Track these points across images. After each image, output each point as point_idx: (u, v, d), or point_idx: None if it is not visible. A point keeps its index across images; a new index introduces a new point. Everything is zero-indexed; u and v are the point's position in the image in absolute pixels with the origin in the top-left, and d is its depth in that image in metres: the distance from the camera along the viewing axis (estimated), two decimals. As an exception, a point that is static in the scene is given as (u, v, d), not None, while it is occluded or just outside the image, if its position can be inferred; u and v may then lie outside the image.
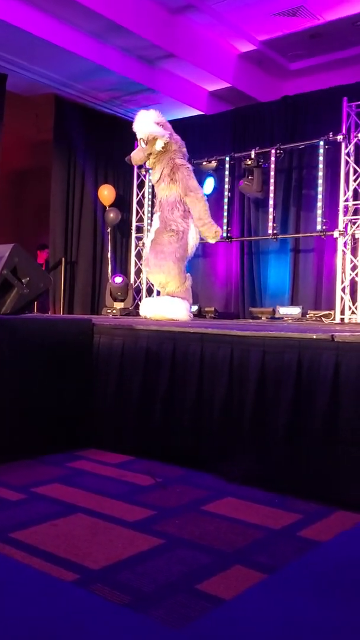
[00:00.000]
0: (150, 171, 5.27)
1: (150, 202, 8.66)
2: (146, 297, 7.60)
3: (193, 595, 1.84)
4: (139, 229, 9.06)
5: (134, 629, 1.00)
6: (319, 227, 7.14)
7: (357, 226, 6.92)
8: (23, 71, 7.49)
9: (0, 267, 3.70)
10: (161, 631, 1.04)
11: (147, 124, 5.05)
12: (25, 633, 0.97)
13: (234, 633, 0.94)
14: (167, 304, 4.87)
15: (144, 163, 5.29)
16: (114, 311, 8.18)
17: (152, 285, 5.59)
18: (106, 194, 8.71)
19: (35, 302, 6.53)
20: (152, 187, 5.50)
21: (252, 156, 7.64)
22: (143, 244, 5.28)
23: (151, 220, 5.54)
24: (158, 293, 5.42)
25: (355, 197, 6.97)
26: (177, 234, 4.94)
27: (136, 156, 5.12)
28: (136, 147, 5.36)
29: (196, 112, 8.81)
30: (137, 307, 6.35)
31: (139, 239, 9.01)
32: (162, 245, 4.95)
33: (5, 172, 9.00)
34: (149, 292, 8.43)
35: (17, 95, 8.10)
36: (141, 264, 8.29)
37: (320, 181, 7.16)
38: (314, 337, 2.92)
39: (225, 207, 8.11)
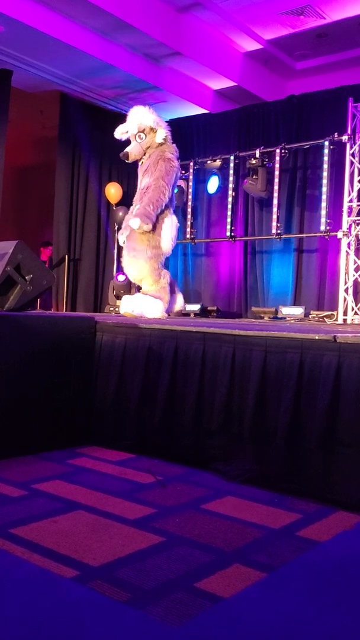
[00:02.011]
0: (140, 165, 5.18)
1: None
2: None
3: (192, 593, 1.84)
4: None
5: (132, 625, 1.01)
6: (322, 228, 7.13)
7: (361, 227, 6.91)
8: (28, 68, 7.49)
9: (4, 264, 3.71)
10: (160, 628, 1.05)
11: (147, 115, 5.03)
12: (25, 628, 0.98)
13: (233, 631, 0.95)
14: (140, 302, 4.81)
15: (139, 159, 5.17)
16: (117, 309, 8.18)
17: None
18: (113, 192, 8.68)
19: (38, 299, 6.54)
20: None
21: (257, 155, 7.63)
22: (118, 240, 5.21)
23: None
24: (139, 289, 5.37)
25: (359, 198, 6.96)
26: (157, 230, 4.89)
27: (134, 150, 5.04)
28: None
29: (201, 111, 8.80)
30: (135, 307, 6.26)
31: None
32: (134, 241, 4.90)
33: (10, 168, 9.02)
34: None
35: (23, 91, 8.11)
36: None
37: (324, 181, 7.14)
38: (316, 337, 2.92)
39: (229, 206, 8.10)
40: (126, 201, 8.97)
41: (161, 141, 5.00)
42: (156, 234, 4.94)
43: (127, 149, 5.06)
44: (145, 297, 4.86)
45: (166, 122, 5.34)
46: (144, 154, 5.06)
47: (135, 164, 5.34)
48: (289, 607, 1.01)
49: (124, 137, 5.16)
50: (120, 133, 5.15)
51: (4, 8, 6.30)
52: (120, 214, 8.74)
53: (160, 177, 4.90)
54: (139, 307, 4.77)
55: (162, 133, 4.97)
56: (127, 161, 5.17)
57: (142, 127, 4.99)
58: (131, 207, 5.31)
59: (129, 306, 4.81)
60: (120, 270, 8.84)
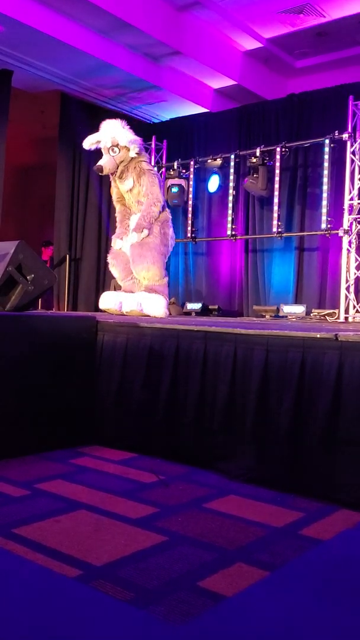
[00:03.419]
0: (117, 180, 5.26)
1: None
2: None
3: (195, 592, 1.85)
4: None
5: (135, 625, 1.01)
6: (323, 226, 7.12)
7: (362, 225, 6.91)
8: (29, 68, 7.49)
9: (5, 264, 3.71)
10: (163, 627, 1.05)
11: (122, 131, 5.09)
12: (27, 628, 0.98)
13: (235, 630, 0.95)
14: (146, 300, 4.87)
15: (112, 172, 5.24)
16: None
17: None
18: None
19: (40, 299, 6.54)
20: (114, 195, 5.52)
21: (257, 154, 7.63)
22: (115, 245, 5.29)
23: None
24: (116, 289, 5.48)
25: (360, 196, 6.96)
26: (156, 226, 5.06)
27: (109, 164, 5.11)
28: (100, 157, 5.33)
29: (201, 110, 8.79)
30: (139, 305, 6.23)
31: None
32: (146, 242, 5.02)
33: (11, 168, 9.02)
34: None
35: (23, 91, 8.11)
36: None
37: (325, 179, 7.14)
38: (318, 336, 2.92)
39: (230, 205, 8.10)
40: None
41: (134, 155, 5.09)
42: (166, 232, 5.08)
43: (101, 163, 5.12)
44: (150, 294, 4.92)
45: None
46: (117, 167, 5.14)
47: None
48: (292, 605, 1.01)
49: (92, 147, 5.21)
50: (89, 143, 5.21)
51: (4, 8, 6.30)
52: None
53: (150, 191, 5.11)
54: (144, 305, 4.83)
55: (135, 149, 5.06)
56: (100, 174, 5.28)
57: (115, 142, 5.06)
58: (117, 215, 5.40)
59: (133, 304, 4.85)
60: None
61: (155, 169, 5.39)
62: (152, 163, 8.04)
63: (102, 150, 5.16)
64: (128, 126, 5.21)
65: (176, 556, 2.11)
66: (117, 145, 5.06)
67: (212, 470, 3.15)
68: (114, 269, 5.33)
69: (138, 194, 5.17)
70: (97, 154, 5.24)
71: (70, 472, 3.11)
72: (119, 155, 5.08)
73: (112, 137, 5.07)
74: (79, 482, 2.93)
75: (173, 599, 1.80)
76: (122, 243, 5.22)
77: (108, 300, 5.09)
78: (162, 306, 4.94)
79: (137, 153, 5.09)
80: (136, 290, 5.05)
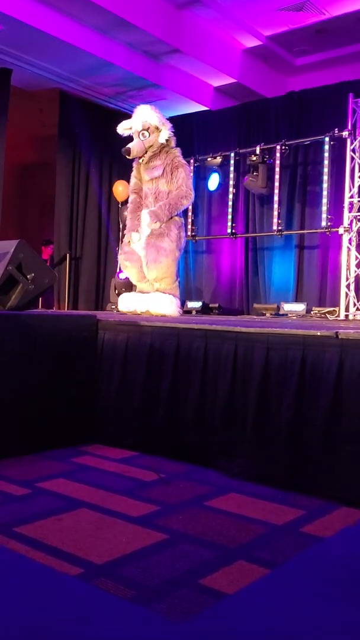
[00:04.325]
0: (143, 165, 5.19)
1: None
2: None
3: (196, 590, 1.85)
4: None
5: (137, 623, 1.01)
6: (324, 224, 7.12)
7: (362, 223, 6.90)
8: (28, 66, 7.48)
9: (5, 263, 3.71)
10: (164, 625, 1.05)
11: (152, 114, 5.06)
12: (28, 627, 0.98)
13: (236, 627, 0.95)
14: (159, 300, 4.92)
15: (140, 156, 5.21)
16: (119, 307, 8.17)
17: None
18: (120, 190, 8.60)
19: (40, 298, 6.54)
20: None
21: (257, 152, 7.62)
22: (131, 240, 5.20)
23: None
24: (133, 289, 5.45)
25: (360, 194, 6.95)
26: (170, 229, 4.98)
27: (137, 147, 5.08)
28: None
29: (201, 108, 8.78)
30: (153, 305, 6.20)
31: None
32: (160, 240, 4.97)
33: (10, 167, 9.01)
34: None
35: (22, 90, 8.10)
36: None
37: (325, 177, 7.13)
38: (318, 334, 2.92)
39: (230, 203, 8.10)
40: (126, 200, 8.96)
41: (164, 142, 5.04)
42: (181, 236, 5.07)
43: (130, 145, 5.10)
44: (164, 295, 4.96)
45: (166, 119, 5.34)
46: (145, 152, 5.09)
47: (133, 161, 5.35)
48: (293, 603, 1.02)
49: (125, 133, 5.18)
50: (123, 129, 5.18)
51: (3, 7, 6.30)
52: (125, 213, 8.73)
53: (184, 183, 5.05)
54: (158, 305, 4.88)
55: (166, 134, 5.03)
56: (128, 157, 5.20)
57: (146, 126, 5.03)
58: (129, 205, 5.35)
59: (148, 305, 4.90)
60: (121, 268, 8.85)
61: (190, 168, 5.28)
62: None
63: (133, 135, 5.14)
64: (160, 113, 5.19)
65: (177, 554, 2.11)
66: (147, 129, 5.04)
67: (212, 468, 3.15)
68: (129, 271, 5.27)
69: (165, 184, 5.07)
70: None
71: (71, 470, 3.11)
72: (149, 140, 5.05)
73: (142, 121, 5.06)
74: (80, 480, 2.93)
75: (174, 596, 1.80)
76: (139, 235, 5.10)
77: (127, 303, 5.13)
78: (175, 306, 5.01)
79: (166, 140, 5.04)
80: (150, 291, 5.08)
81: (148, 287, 5.14)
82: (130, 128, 5.14)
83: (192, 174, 5.22)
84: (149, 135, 5.04)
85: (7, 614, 1.01)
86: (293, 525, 2.43)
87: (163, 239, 4.95)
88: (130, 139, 5.20)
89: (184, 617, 1.66)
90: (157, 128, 5.03)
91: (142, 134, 5.06)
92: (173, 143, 5.18)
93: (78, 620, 0.98)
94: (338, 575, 1.14)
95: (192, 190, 5.11)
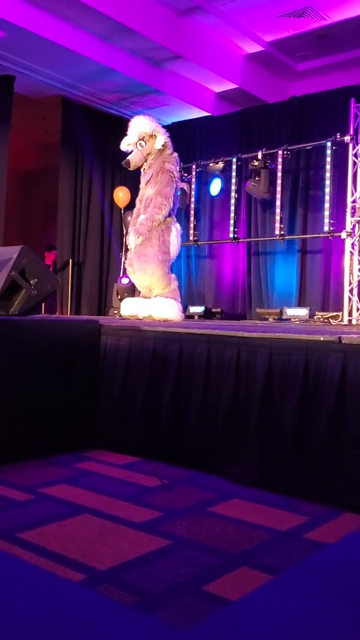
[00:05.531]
0: (143, 172, 5.27)
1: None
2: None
3: (199, 596, 1.84)
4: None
5: (140, 629, 1.01)
6: (326, 228, 7.12)
7: (365, 227, 6.90)
8: (31, 73, 7.52)
9: (8, 269, 3.72)
10: (167, 632, 1.05)
11: (147, 122, 5.14)
12: (32, 633, 0.98)
13: (240, 634, 0.95)
14: (161, 305, 4.94)
15: (141, 166, 5.27)
16: (121, 312, 8.18)
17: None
18: (121, 195, 8.65)
19: (43, 303, 6.55)
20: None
21: (259, 157, 7.64)
22: (129, 244, 5.28)
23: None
24: (136, 294, 5.50)
25: (362, 198, 6.95)
26: (152, 235, 5.02)
27: (135, 158, 5.15)
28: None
29: (203, 114, 8.81)
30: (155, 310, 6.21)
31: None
32: (145, 247, 5.04)
33: (13, 173, 9.05)
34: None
35: (25, 97, 8.14)
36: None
37: (327, 182, 7.14)
38: (321, 339, 2.92)
39: (232, 208, 8.11)
40: (134, 205, 8.98)
41: (160, 147, 5.10)
42: (165, 240, 5.07)
43: (129, 157, 5.15)
44: (164, 299, 4.98)
45: (168, 125, 5.39)
46: (145, 161, 5.15)
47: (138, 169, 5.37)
48: (296, 609, 1.01)
49: (129, 149, 5.25)
50: (125, 145, 5.25)
51: (6, 14, 6.34)
52: (129, 218, 8.75)
53: (159, 192, 5.08)
54: (158, 309, 4.90)
55: (161, 139, 5.09)
56: (129, 169, 5.28)
57: (141, 135, 5.12)
58: (133, 211, 5.40)
59: (150, 310, 4.92)
60: (124, 273, 8.86)
61: (178, 175, 5.28)
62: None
63: (132, 147, 5.20)
64: (155, 121, 5.26)
65: (180, 560, 2.10)
66: (143, 139, 5.10)
67: (215, 474, 3.14)
68: (132, 277, 5.34)
69: (151, 189, 5.13)
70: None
71: (74, 476, 3.11)
72: (146, 148, 5.12)
73: (138, 131, 5.13)
74: (83, 486, 2.93)
75: (178, 603, 1.79)
76: (134, 238, 5.18)
77: (130, 308, 5.18)
78: (178, 310, 5.03)
79: (163, 145, 5.10)
80: (151, 296, 5.10)
81: (150, 294, 5.18)
82: (130, 144, 5.22)
83: (176, 181, 5.20)
84: (145, 144, 5.11)
85: (10, 619, 1.01)
86: (297, 531, 2.42)
87: (146, 247, 5.04)
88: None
89: (188, 624, 1.66)
90: (151, 136, 5.09)
91: (139, 143, 5.13)
92: (170, 149, 5.23)
93: (81, 627, 0.98)
94: (342, 581, 1.14)
95: (168, 199, 5.10)
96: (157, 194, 5.08)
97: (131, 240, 5.14)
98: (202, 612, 1.73)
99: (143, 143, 5.11)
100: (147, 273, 5.06)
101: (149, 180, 5.18)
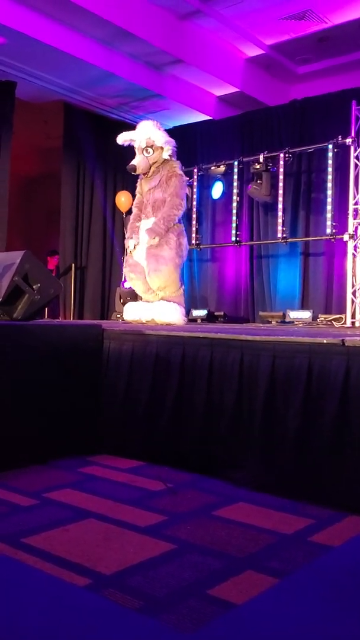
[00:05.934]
0: (144, 180, 5.26)
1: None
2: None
3: (205, 600, 1.84)
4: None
5: (145, 633, 1.01)
6: (328, 231, 7.13)
7: (367, 229, 6.90)
8: (32, 78, 7.55)
9: (11, 274, 3.73)
10: (172, 635, 1.05)
11: (156, 131, 5.10)
12: (37, 637, 0.98)
13: (245, 638, 0.94)
14: (164, 309, 4.93)
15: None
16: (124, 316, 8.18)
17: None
18: (123, 200, 8.67)
19: (46, 308, 6.56)
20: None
21: (261, 160, 7.65)
22: (129, 247, 5.25)
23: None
24: (139, 299, 5.47)
25: (364, 200, 6.95)
26: (169, 237, 5.00)
27: (141, 164, 5.13)
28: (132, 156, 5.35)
29: (204, 117, 8.83)
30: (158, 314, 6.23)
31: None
32: (160, 248, 5.00)
33: (15, 178, 9.07)
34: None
35: (27, 102, 8.17)
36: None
37: (329, 184, 7.15)
38: (324, 341, 2.91)
39: (234, 211, 8.12)
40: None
41: (167, 157, 5.09)
42: (181, 243, 5.08)
43: (134, 162, 5.13)
44: (169, 303, 4.97)
45: (169, 129, 5.39)
46: (150, 168, 5.15)
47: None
48: (302, 613, 1.01)
49: (126, 144, 5.21)
50: (123, 139, 5.21)
51: (7, 20, 6.37)
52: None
53: (175, 194, 5.06)
54: (162, 313, 4.89)
55: (169, 150, 5.07)
56: (133, 173, 5.25)
57: (150, 143, 5.08)
58: (134, 215, 5.37)
59: (151, 313, 4.92)
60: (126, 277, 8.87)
61: (186, 180, 5.31)
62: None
63: (136, 150, 5.17)
64: (162, 128, 5.24)
65: (185, 564, 2.10)
66: (151, 146, 5.08)
67: (219, 478, 3.13)
68: (134, 283, 5.28)
69: (161, 192, 5.11)
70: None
71: (78, 481, 3.11)
72: (153, 156, 5.10)
73: (147, 137, 5.09)
74: (87, 490, 2.93)
75: (183, 607, 1.79)
76: (134, 242, 5.14)
77: (132, 312, 5.15)
78: (180, 314, 5.01)
79: (169, 155, 5.11)
80: (155, 301, 5.09)
81: (153, 298, 5.15)
82: (133, 140, 5.19)
83: (186, 185, 5.24)
84: (153, 153, 5.10)
85: (16, 624, 1.01)
86: (302, 534, 2.41)
87: (162, 247, 4.98)
88: (129, 148, 5.23)
89: (193, 628, 1.65)
90: (161, 147, 5.09)
91: (147, 150, 5.11)
92: (174, 157, 5.24)
93: (86, 632, 0.98)
94: (347, 584, 1.13)
95: (183, 200, 5.12)
96: (173, 195, 5.04)
97: (142, 240, 5.04)
98: (208, 616, 1.72)
99: (150, 151, 5.10)
100: (163, 274, 5.00)
101: (156, 185, 5.17)
